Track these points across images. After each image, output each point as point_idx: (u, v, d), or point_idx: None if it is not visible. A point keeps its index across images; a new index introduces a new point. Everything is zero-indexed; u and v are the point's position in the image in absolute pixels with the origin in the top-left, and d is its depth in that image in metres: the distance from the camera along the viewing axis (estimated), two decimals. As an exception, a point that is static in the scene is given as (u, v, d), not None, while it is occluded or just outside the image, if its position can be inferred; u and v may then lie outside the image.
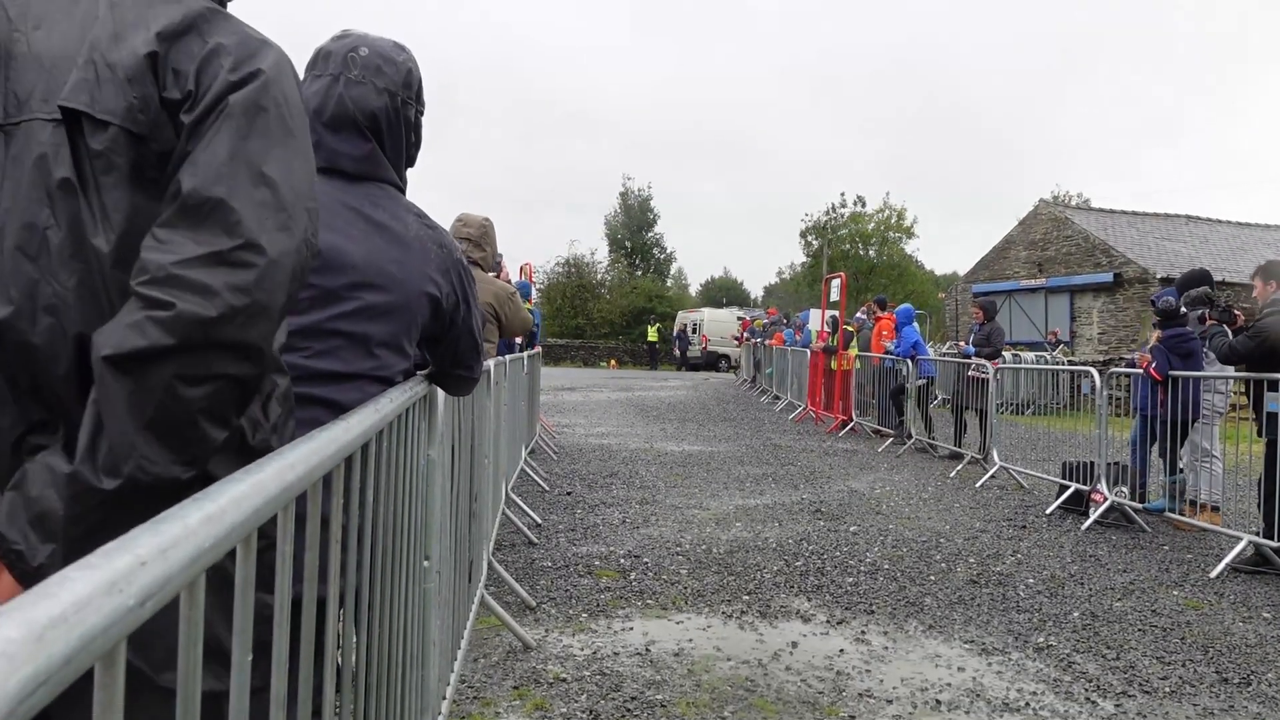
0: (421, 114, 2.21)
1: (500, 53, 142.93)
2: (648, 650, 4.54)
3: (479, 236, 5.28)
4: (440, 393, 2.49)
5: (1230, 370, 7.71)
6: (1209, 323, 7.32)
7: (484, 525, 4.88)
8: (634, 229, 53.01)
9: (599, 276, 47.20)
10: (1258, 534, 6.60)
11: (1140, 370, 8.06)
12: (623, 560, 6.29)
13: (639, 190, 53.75)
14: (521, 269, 15.49)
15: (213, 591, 0.87)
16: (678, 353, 39.57)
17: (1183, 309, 7.69)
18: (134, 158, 1.23)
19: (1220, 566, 6.40)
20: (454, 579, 3.42)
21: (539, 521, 7.36)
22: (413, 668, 2.26)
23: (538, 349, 12.12)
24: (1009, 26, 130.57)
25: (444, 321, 2.12)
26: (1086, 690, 4.18)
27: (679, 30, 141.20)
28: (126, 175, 1.23)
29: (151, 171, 1.24)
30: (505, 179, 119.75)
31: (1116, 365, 12.55)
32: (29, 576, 1.11)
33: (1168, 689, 4.24)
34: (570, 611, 5.13)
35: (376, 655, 1.78)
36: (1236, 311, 7.28)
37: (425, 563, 2.47)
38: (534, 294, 13.44)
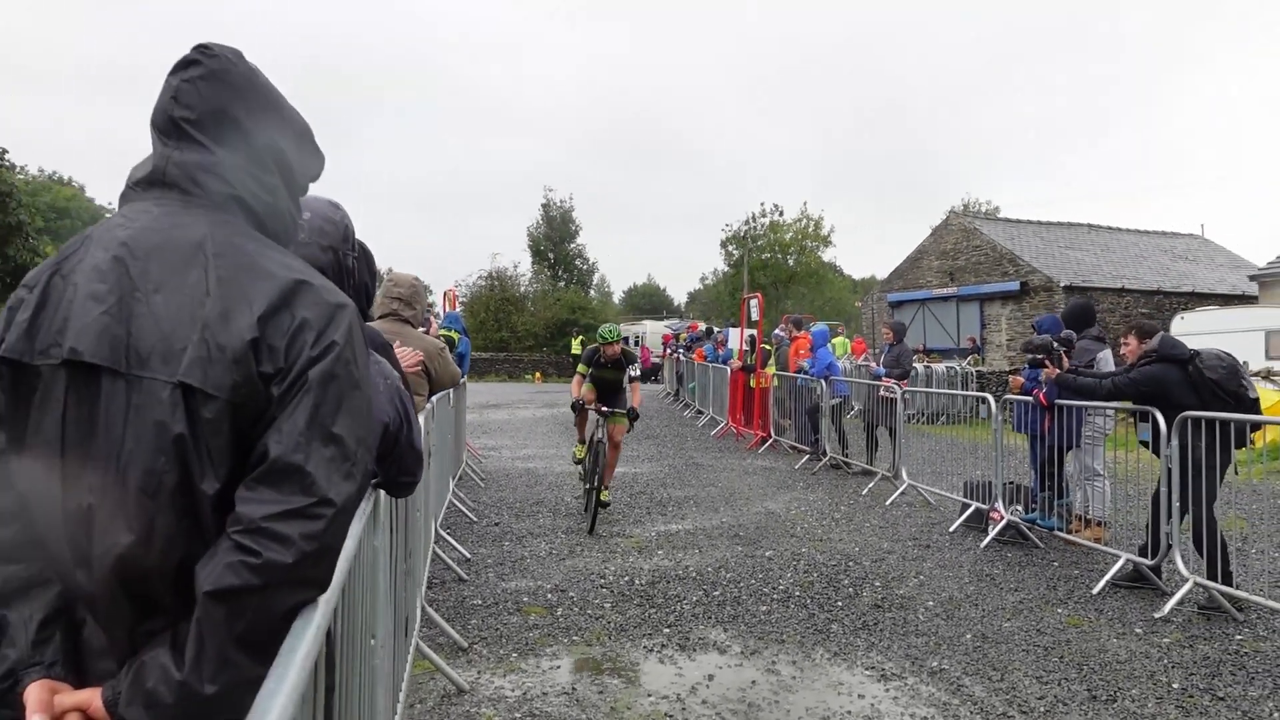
0: (355, 257, 2.53)
1: (420, 49, 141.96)
2: (574, 689, 4.87)
3: (409, 295, 5.55)
4: (382, 491, 2.79)
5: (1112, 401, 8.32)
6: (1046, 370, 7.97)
7: (416, 575, 5.15)
8: (556, 240, 53.31)
9: (522, 289, 47.40)
10: (1139, 552, 7.16)
11: (1029, 397, 8.64)
12: (550, 595, 6.60)
13: (561, 201, 54.13)
14: (445, 295, 15.68)
15: None
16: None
17: (1028, 358, 8.31)
18: (234, 421, 1.53)
19: (1101, 583, 6.95)
20: (392, 641, 3.70)
21: (468, 556, 7.63)
22: (363, 740, 2.54)
23: (463, 380, 12.32)
24: (933, 36, 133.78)
25: (390, 442, 2.43)
26: (971, 713, 4.63)
27: (602, 30, 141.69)
28: (228, 435, 1.53)
29: (247, 428, 1.54)
30: (425, 179, 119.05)
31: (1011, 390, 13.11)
32: None
33: (1043, 709, 4.70)
34: (501, 651, 5.43)
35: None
36: (1065, 358, 7.91)
37: (372, 641, 2.76)
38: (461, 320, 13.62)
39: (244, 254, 1.63)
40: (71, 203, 54.09)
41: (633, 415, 9.30)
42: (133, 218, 1.66)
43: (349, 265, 2.48)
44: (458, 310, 15.89)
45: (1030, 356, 8.10)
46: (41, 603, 1.57)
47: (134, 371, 1.52)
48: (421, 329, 5.95)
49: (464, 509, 9.50)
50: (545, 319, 44.37)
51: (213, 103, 1.69)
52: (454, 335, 11.30)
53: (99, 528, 1.50)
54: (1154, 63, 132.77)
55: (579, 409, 9.80)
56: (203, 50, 1.73)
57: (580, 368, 9.77)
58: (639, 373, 9.67)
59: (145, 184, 1.70)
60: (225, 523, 1.49)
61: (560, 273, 53.43)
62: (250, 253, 1.64)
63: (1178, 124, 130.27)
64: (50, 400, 1.55)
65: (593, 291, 58.51)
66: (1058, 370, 7.81)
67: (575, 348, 40.47)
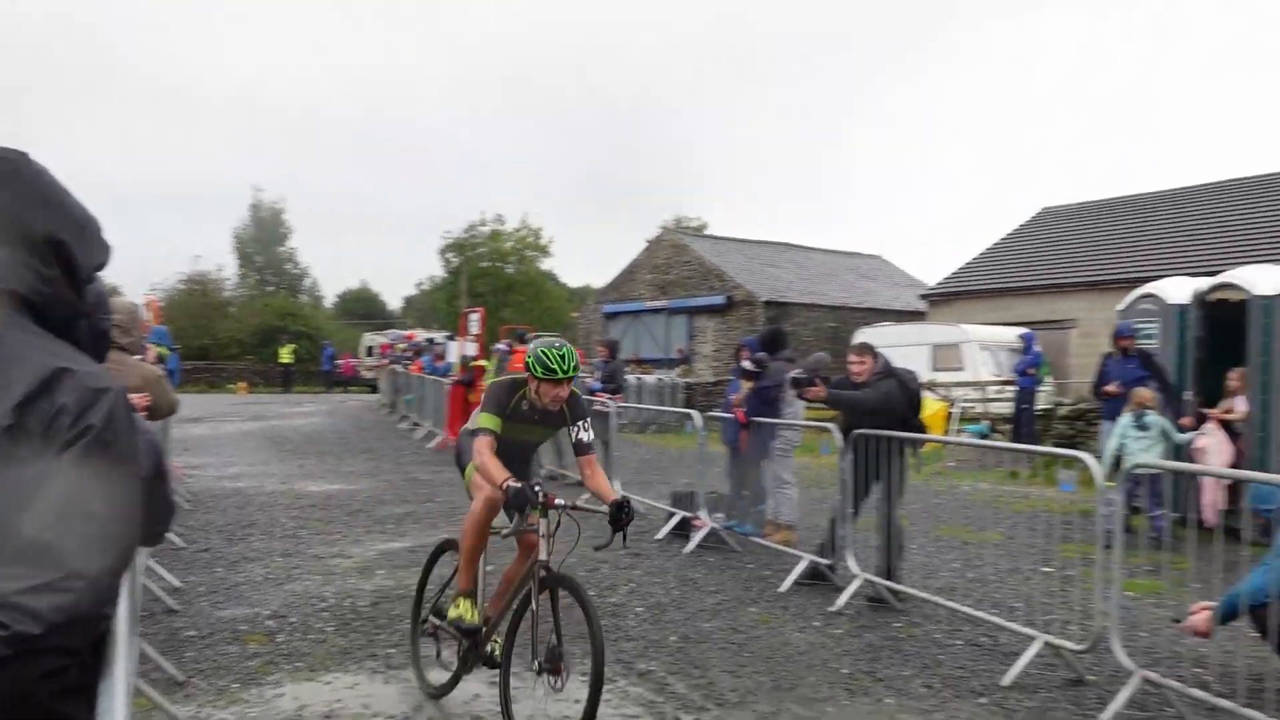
0: (110, 320, 2.60)
1: (111, 20, 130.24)
2: (300, 715, 4.94)
3: (127, 322, 5.40)
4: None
5: (800, 415, 9.32)
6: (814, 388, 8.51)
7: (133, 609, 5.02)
8: (265, 243, 50.85)
9: (226, 294, 44.90)
10: (818, 552, 8.07)
11: (731, 415, 9.49)
12: (269, 622, 6.55)
13: (272, 203, 51.65)
14: (148, 305, 14.78)
15: None
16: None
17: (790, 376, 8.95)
18: None
19: (787, 582, 7.79)
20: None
21: (177, 585, 7.37)
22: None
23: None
24: (648, 52, 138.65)
25: (147, 495, 2.53)
26: (675, 709, 5.15)
27: (314, 23, 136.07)
28: None
29: None
30: (106, 172, 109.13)
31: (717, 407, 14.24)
32: None
33: (735, 699, 5.31)
34: (221, 683, 5.38)
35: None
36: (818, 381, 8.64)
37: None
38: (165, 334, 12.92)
39: (10, 345, 1.75)
40: None
41: (625, 515, 4.61)
42: None
43: (103, 329, 2.55)
44: (163, 324, 15.00)
45: (800, 374, 8.72)
46: None
47: None
48: (138, 356, 5.79)
49: (170, 534, 9.09)
50: (251, 326, 42.26)
51: None
52: (164, 351, 10.78)
53: None
54: (849, 87, 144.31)
55: (523, 505, 4.79)
56: None
57: (485, 419, 4.93)
58: (591, 435, 5.12)
59: None
60: None
61: (269, 277, 51.03)
62: (16, 343, 1.76)
63: (868, 151, 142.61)
64: None
65: (304, 296, 56.27)
66: (825, 389, 8.45)
67: (284, 356, 38.82)
